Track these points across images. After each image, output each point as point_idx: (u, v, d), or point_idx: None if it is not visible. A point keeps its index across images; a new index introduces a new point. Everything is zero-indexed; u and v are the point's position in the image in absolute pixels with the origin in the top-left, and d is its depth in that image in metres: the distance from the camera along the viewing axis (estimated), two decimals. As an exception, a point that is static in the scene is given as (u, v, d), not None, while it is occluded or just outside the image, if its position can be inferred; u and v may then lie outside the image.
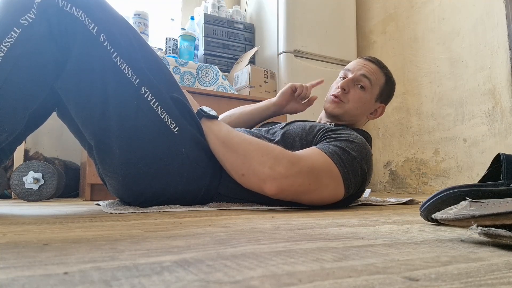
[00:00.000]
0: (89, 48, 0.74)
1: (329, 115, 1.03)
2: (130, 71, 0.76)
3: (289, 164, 0.77)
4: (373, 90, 1.02)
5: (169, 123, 0.80)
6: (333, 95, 1.02)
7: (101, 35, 0.74)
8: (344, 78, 1.04)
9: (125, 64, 0.76)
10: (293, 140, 0.92)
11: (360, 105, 1.01)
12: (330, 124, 0.98)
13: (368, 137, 1.00)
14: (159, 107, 0.79)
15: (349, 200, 0.92)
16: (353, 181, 0.83)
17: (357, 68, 1.03)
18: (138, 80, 0.77)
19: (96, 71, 0.74)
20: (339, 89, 1.01)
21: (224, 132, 0.85)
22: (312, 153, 0.81)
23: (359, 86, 1.01)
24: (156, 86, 0.80)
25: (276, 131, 0.98)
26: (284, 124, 1.02)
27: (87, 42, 0.73)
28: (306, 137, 0.92)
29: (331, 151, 0.81)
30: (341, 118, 1.02)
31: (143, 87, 0.78)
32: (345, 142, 0.85)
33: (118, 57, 0.75)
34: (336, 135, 0.88)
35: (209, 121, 0.88)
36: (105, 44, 0.74)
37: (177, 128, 0.81)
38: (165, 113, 0.80)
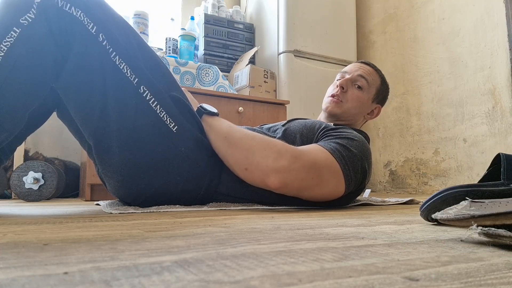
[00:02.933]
0: (88, 48, 0.74)
1: (329, 114, 1.05)
2: (129, 70, 0.77)
3: (292, 158, 0.77)
4: (370, 90, 1.05)
5: (168, 122, 0.80)
6: (332, 95, 1.04)
7: (100, 34, 0.74)
8: (341, 79, 1.06)
9: (124, 64, 0.76)
10: (294, 137, 0.94)
11: (358, 104, 1.03)
12: (329, 124, 0.99)
13: (366, 137, 1.01)
14: (158, 106, 0.79)
15: (349, 198, 0.92)
16: (353, 178, 0.84)
17: (354, 69, 1.06)
18: (137, 79, 0.77)
19: (95, 70, 0.75)
20: (338, 88, 1.03)
21: (226, 128, 0.85)
22: (314, 149, 0.82)
23: (356, 86, 1.03)
24: (155, 85, 0.80)
25: (277, 129, 1.00)
26: (285, 121, 1.03)
27: (86, 42, 0.73)
28: (307, 134, 0.93)
29: (332, 148, 0.82)
30: (340, 117, 1.04)
31: (142, 86, 0.78)
32: (346, 139, 0.86)
33: (117, 57, 0.76)
34: (337, 133, 0.89)
35: (209, 117, 0.89)
36: (104, 43, 0.75)
37: (176, 127, 0.81)
38: (164, 112, 0.80)
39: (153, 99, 0.79)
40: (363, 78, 1.03)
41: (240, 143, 0.82)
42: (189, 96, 0.95)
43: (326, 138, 0.88)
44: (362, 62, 1.09)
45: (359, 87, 1.03)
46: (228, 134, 0.84)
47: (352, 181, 0.84)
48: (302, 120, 1.01)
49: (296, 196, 0.83)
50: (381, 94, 1.08)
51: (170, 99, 0.82)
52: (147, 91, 0.78)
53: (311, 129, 0.94)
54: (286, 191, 0.80)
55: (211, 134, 0.86)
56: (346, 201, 0.93)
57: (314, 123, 0.96)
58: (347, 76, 1.04)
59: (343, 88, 1.03)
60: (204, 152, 0.85)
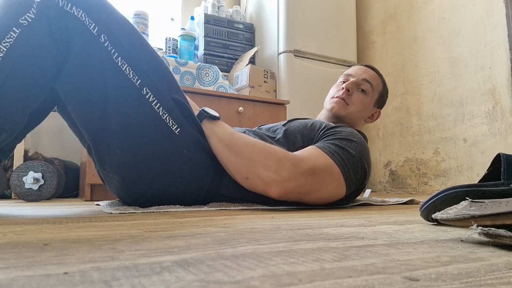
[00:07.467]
0: (89, 49, 0.73)
1: (334, 115, 1.05)
2: (131, 72, 0.76)
3: (292, 167, 0.78)
4: (373, 95, 1.06)
5: (171, 124, 0.80)
6: (337, 96, 1.05)
7: (102, 35, 0.74)
8: (345, 82, 1.06)
9: (126, 65, 0.76)
10: (295, 137, 0.94)
11: (361, 108, 1.05)
12: (330, 123, 0.99)
13: (364, 138, 1.02)
14: (161, 108, 0.79)
15: (350, 197, 0.93)
16: (354, 179, 0.85)
17: (359, 73, 1.06)
18: (140, 81, 0.77)
19: (96, 72, 0.74)
20: (343, 91, 1.04)
21: (227, 135, 0.85)
22: (313, 154, 0.82)
23: (360, 89, 1.04)
24: (158, 87, 0.79)
25: (277, 129, 1.00)
26: (286, 121, 1.04)
27: (87, 43, 0.73)
28: (308, 134, 0.94)
29: (331, 151, 0.83)
30: (344, 119, 1.05)
31: (144, 88, 0.77)
32: (345, 141, 0.87)
33: (119, 58, 0.75)
34: (336, 132, 0.90)
35: (211, 122, 0.87)
36: (105, 44, 0.74)
37: (178, 129, 0.81)
38: (166, 115, 0.79)
39: (156, 101, 0.78)
40: (367, 82, 1.04)
41: (241, 152, 0.81)
42: (190, 101, 0.94)
43: (326, 138, 0.89)
44: (366, 66, 1.10)
45: (363, 90, 1.04)
46: (229, 141, 0.83)
47: (352, 182, 0.85)
48: (302, 120, 1.02)
49: (298, 201, 0.84)
50: (382, 98, 1.10)
51: (172, 101, 0.82)
52: (150, 93, 0.78)
53: (312, 129, 0.95)
54: (288, 198, 0.81)
55: (212, 140, 0.85)
56: (347, 200, 0.94)
57: (314, 123, 0.97)
58: (352, 79, 1.05)
59: (348, 91, 1.03)
60: (206, 154, 0.85)
